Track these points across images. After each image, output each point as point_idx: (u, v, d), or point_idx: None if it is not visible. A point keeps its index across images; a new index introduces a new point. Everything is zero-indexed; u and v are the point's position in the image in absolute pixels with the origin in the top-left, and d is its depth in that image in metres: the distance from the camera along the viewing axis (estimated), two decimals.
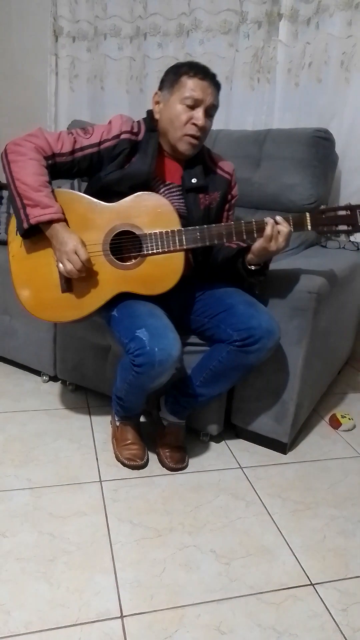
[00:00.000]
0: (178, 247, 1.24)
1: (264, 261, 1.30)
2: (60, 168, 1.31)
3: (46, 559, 1.09)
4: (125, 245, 1.28)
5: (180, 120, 1.27)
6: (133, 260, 1.27)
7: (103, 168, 1.32)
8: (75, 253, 1.22)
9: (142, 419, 1.58)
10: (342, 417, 1.71)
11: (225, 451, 1.54)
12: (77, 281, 1.29)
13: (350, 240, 1.93)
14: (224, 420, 1.56)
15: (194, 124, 1.27)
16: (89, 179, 1.38)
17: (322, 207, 1.24)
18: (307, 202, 1.78)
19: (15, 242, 1.33)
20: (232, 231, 1.24)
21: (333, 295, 1.49)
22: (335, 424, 1.72)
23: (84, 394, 1.81)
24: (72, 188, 1.80)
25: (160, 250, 1.24)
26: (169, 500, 1.31)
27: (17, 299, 1.34)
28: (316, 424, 1.74)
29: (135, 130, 1.32)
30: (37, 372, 1.89)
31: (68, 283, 1.29)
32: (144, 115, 1.38)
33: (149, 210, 1.25)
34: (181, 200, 1.35)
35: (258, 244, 1.23)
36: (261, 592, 1.05)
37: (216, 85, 1.29)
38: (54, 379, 1.88)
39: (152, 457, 1.46)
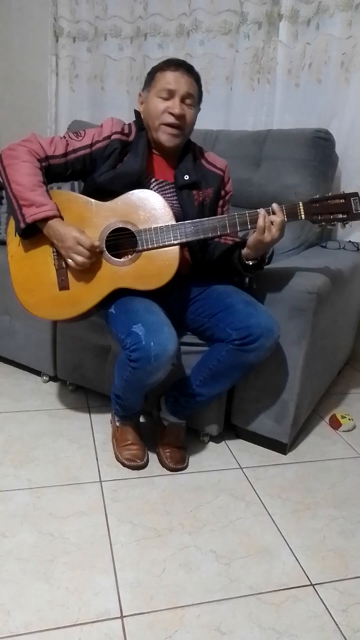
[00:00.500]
0: (173, 242, 1.25)
1: (261, 255, 1.30)
2: (54, 171, 1.34)
3: (46, 559, 1.09)
4: (120, 242, 1.29)
5: (157, 111, 1.30)
6: (129, 257, 1.28)
7: (96, 169, 1.34)
8: (78, 243, 1.23)
9: (142, 419, 1.58)
10: (342, 417, 1.71)
11: (225, 451, 1.54)
12: (74, 278, 1.30)
13: (350, 241, 1.93)
14: (224, 421, 1.56)
15: (170, 113, 1.29)
16: (84, 181, 1.40)
17: (316, 196, 1.24)
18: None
19: (14, 242, 1.35)
20: (226, 223, 1.25)
21: (333, 296, 1.49)
22: (335, 424, 1.72)
23: (84, 394, 1.81)
24: (73, 190, 1.80)
25: (155, 245, 1.25)
26: (169, 500, 1.31)
27: (16, 298, 1.35)
28: (316, 425, 1.74)
29: (127, 131, 1.35)
30: (37, 372, 1.89)
31: (65, 280, 1.30)
32: None
33: (143, 207, 1.27)
34: (174, 198, 1.36)
35: (252, 238, 1.24)
36: (261, 593, 1.05)
37: (192, 75, 1.31)
38: (54, 379, 1.88)
39: (152, 457, 1.46)
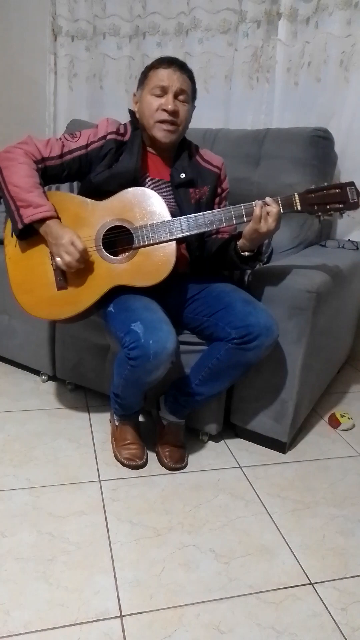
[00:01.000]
0: (169, 237, 1.25)
1: (257, 246, 1.30)
2: (51, 172, 1.35)
3: (45, 558, 1.09)
4: (117, 239, 1.29)
5: (151, 109, 1.31)
6: (126, 254, 1.28)
7: (92, 170, 1.35)
8: (72, 244, 1.23)
9: (141, 418, 1.57)
10: (342, 416, 1.71)
11: (225, 450, 1.54)
12: (72, 278, 1.30)
13: (349, 240, 1.93)
14: (223, 420, 1.56)
15: (164, 110, 1.29)
16: (81, 182, 1.40)
17: (312, 186, 1.24)
18: None
19: (11, 244, 1.36)
20: (222, 217, 1.25)
21: (332, 295, 1.49)
22: (334, 423, 1.72)
23: (83, 393, 1.81)
24: (72, 191, 1.80)
25: (151, 242, 1.25)
26: (168, 499, 1.31)
27: (14, 299, 1.35)
28: (315, 424, 1.74)
29: (122, 131, 1.36)
30: (36, 372, 1.89)
31: (63, 280, 1.30)
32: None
33: (138, 204, 1.27)
34: (171, 196, 1.36)
35: (249, 227, 1.24)
36: (260, 592, 1.05)
37: (184, 71, 1.31)
38: (53, 378, 1.88)
39: (152, 457, 1.46)
